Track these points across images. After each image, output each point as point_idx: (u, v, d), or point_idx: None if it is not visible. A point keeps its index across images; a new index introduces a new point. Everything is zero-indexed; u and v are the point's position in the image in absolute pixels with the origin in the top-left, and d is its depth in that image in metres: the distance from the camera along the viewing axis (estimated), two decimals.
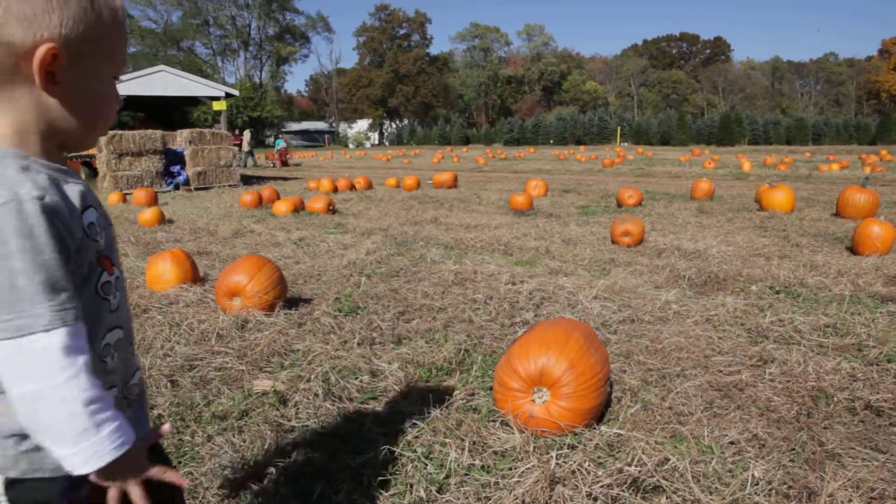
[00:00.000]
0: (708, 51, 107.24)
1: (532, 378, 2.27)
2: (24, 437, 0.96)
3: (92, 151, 15.93)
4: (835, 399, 2.62)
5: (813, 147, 52.31)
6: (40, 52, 0.90)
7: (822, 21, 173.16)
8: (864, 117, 73.13)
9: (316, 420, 2.44)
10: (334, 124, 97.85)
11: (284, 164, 31.00)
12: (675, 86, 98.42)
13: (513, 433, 2.20)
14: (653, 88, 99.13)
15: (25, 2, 0.89)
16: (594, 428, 2.28)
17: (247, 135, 31.27)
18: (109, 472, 0.94)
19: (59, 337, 0.88)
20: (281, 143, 33.00)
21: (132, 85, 16.16)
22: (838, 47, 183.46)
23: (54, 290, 0.88)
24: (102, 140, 14.23)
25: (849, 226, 7.02)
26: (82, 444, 0.91)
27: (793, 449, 2.20)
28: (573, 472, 1.98)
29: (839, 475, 2.00)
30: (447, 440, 2.19)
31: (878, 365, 2.96)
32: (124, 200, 11.65)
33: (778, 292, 4.34)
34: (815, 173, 17.91)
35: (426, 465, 2.08)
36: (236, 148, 16.96)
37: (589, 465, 2.01)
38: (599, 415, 2.37)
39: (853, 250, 5.67)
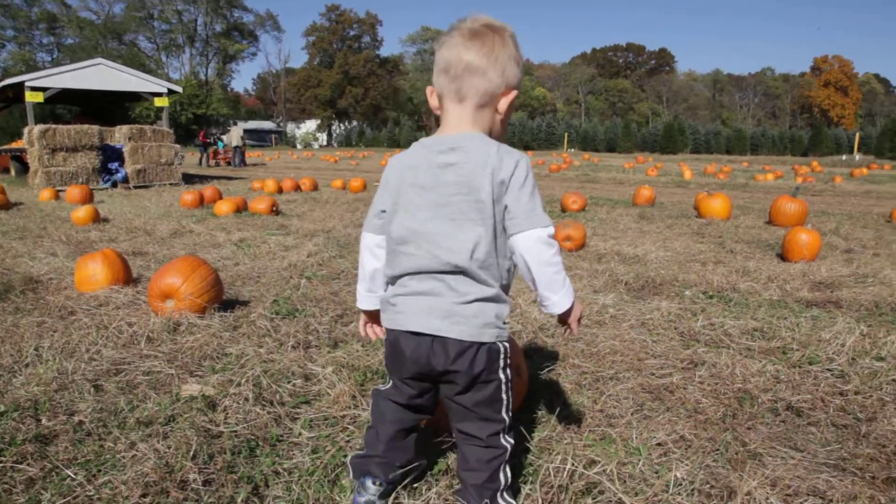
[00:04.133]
0: (653, 61, 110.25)
1: None
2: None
3: (22, 145, 15.31)
4: (759, 400, 2.71)
5: (751, 157, 54.38)
6: (513, 94, 1.68)
7: (760, 37, 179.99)
8: (798, 130, 76.47)
9: (245, 425, 2.38)
10: (282, 124, 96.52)
11: (242, 163, 30.09)
12: (622, 94, 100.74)
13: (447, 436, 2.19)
14: (600, 96, 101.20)
15: (514, 61, 1.64)
16: (523, 433, 2.30)
17: (237, 130, 30.02)
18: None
19: (552, 230, 1.61)
20: (222, 144, 32.01)
21: (66, 78, 15.59)
22: (775, 62, 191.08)
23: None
24: (35, 133, 13.69)
25: (780, 233, 7.30)
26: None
27: (717, 449, 2.26)
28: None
29: (758, 474, 2.06)
30: None
31: (800, 367, 3.07)
32: (57, 197, 11.21)
33: (711, 297, 4.47)
34: (752, 182, 18.59)
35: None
36: (175, 148, 16.44)
37: (518, 469, 2.02)
38: (516, 404, 2.39)
39: (783, 257, 5.89)
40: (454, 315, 1.62)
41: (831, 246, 6.64)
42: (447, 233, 1.60)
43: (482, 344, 1.64)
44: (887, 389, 2.82)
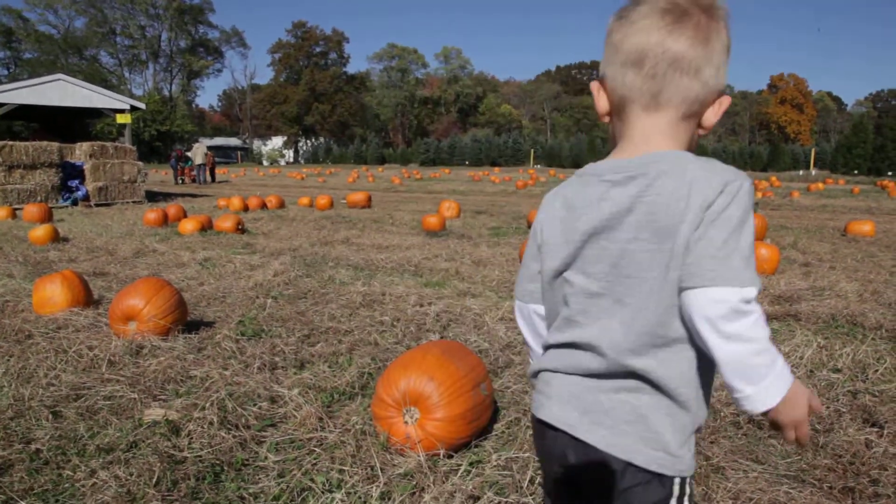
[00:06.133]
0: None
1: (398, 401, 2.31)
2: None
3: None
4: (721, 414, 2.76)
5: None
6: (726, 102, 1.13)
7: None
8: (757, 146, 78.47)
9: (210, 450, 2.34)
10: (248, 141, 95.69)
11: (213, 179, 29.51)
12: (586, 111, 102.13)
13: (409, 457, 2.19)
14: (565, 113, 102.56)
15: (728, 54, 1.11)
16: (489, 452, 2.30)
17: (201, 147, 29.25)
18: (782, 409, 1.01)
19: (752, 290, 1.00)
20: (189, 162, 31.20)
21: (24, 93, 15.25)
22: (733, 80, 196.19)
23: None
24: None
25: None
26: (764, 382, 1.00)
27: None
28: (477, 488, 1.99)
29: (721, 487, 2.10)
30: (345, 467, 2.16)
31: None
32: (14, 216, 10.92)
33: None
34: None
35: (323, 494, 2.03)
36: (138, 165, 16.17)
37: (482, 487, 2.03)
38: (481, 424, 2.39)
39: None
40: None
41: (790, 260, 6.81)
42: None
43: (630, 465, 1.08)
44: (843, 401, 2.90)
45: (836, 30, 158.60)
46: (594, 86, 1.18)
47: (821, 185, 25.95)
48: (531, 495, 2.01)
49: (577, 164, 67.98)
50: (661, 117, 1.11)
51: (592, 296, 1.10)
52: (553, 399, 1.14)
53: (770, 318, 4.38)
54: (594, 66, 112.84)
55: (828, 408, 2.82)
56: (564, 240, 1.14)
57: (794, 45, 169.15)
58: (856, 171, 45.49)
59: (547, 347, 1.18)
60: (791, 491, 2.11)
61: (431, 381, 2.26)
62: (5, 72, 73.74)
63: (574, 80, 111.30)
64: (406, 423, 2.28)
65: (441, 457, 2.24)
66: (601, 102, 1.17)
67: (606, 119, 1.19)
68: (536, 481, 2.10)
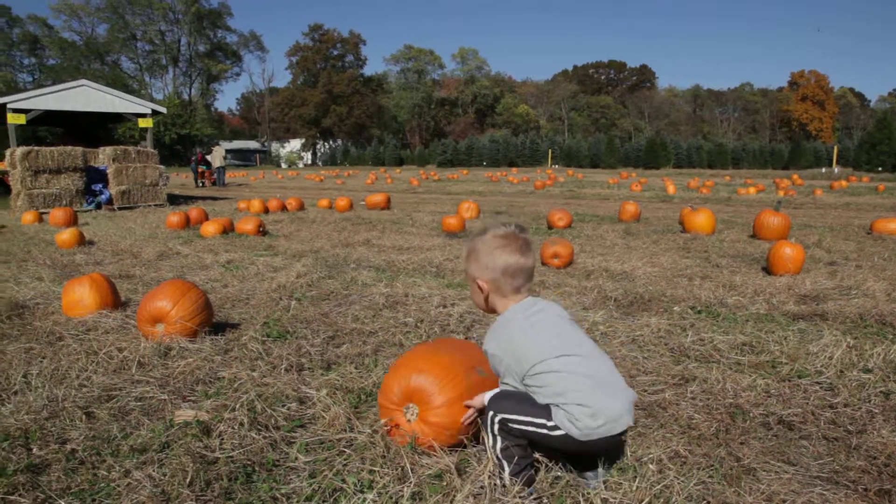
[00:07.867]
0: (634, 78, 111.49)
1: (396, 403, 2.38)
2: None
3: (3, 167, 15.21)
4: (751, 415, 2.74)
5: (732, 171, 55.01)
6: None
7: (738, 54, 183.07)
8: (778, 143, 77.55)
9: (241, 450, 2.37)
10: (266, 143, 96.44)
11: (219, 182, 29.84)
12: (604, 111, 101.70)
13: (442, 457, 2.20)
14: (582, 113, 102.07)
15: None
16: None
17: (219, 150, 29.50)
18: None
19: None
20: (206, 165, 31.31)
21: (49, 99, 15.51)
22: (753, 78, 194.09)
23: None
24: (17, 155, 13.59)
25: (764, 247, 7.38)
26: None
27: (712, 465, 2.28)
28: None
29: (754, 489, 2.08)
30: (375, 468, 2.17)
31: (789, 381, 3.11)
32: (40, 220, 11.10)
33: (699, 312, 4.51)
34: (735, 196, 18.80)
35: (355, 494, 2.04)
36: (160, 168, 16.33)
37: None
38: None
39: (768, 270, 5.96)
40: None
41: (815, 259, 6.73)
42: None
43: None
44: (875, 401, 2.86)
45: (857, 25, 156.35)
46: (479, 283, 2.19)
47: (844, 183, 25.60)
48: (561, 494, 2.01)
49: (596, 165, 67.62)
50: (520, 294, 2.20)
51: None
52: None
53: (796, 317, 4.33)
54: (611, 65, 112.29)
55: (859, 409, 2.79)
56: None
57: (815, 42, 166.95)
58: (880, 168, 44.79)
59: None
60: (825, 493, 2.08)
61: (420, 374, 2.33)
62: (30, 78, 75.03)
63: (591, 80, 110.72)
64: (409, 420, 2.34)
65: (471, 456, 2.25)
66: (485, 288, 2.18)
67: (486, 297, 2.22)
68: (561, 483, 2.10)
